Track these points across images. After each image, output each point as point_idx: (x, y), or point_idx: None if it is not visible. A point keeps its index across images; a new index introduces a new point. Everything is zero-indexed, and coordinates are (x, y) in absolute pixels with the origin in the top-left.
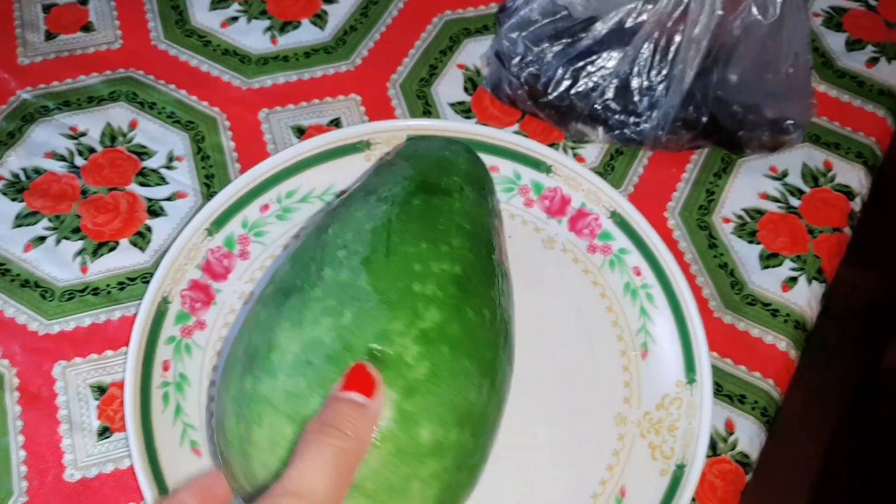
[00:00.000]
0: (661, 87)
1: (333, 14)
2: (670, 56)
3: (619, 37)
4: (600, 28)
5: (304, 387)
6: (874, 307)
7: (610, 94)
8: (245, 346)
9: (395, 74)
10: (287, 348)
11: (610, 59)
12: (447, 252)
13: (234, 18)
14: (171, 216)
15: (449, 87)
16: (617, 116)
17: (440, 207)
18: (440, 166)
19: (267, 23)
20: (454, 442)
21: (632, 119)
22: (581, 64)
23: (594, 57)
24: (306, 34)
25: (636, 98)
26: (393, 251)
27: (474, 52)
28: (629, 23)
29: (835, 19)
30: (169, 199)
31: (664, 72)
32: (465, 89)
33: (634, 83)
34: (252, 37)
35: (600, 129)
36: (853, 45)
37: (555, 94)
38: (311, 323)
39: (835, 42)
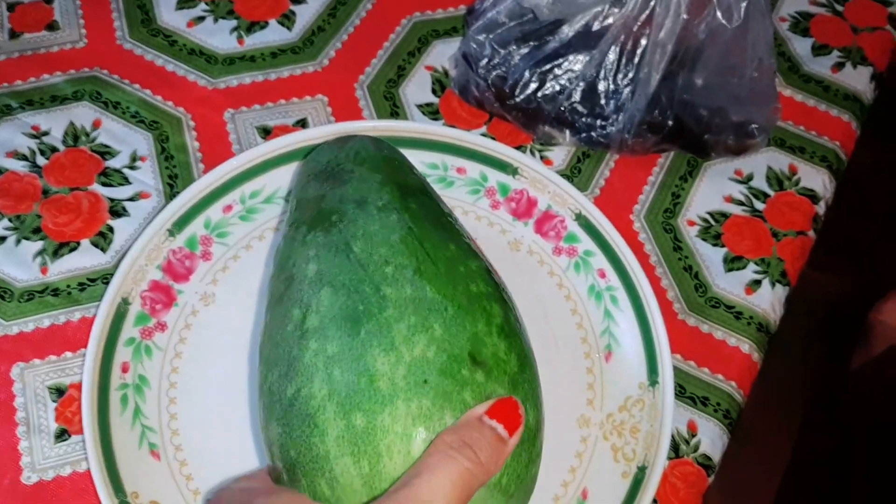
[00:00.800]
0: (627, 90)
1: (301, 14)
2: (636, 59)
3: (586, 40)
4: (567, 31)
5: (429, 405)
6: (840, 307)
7: (577, 96)
8: (323, 385)
9: (362, 76)
10: (394, 373)
11: (576, 62)
12: (468, 248)
13: (201, 18)
14: (133, 217)
15: (417, 89)
16: (583, 119)
17: (430, 206)
18: (393, 167)
19: (234, 23)
20: (541, 418)
21: (598, 122)
22: (548, 66)
23: (561, 60)
24: (273, 34)
25: (602, 101)
26: (436, 258)
27: (443, 53)
28: (595, 26)
29: (801, 24)
30: (132, 199)
31: (630, 75)
32: (433, 91)
33: (601, 86)
34: (219, 37)
35: (567, 132)
36: (819, 50)
37: (522, 96)
38: (405, 343)
39: (801, 47)
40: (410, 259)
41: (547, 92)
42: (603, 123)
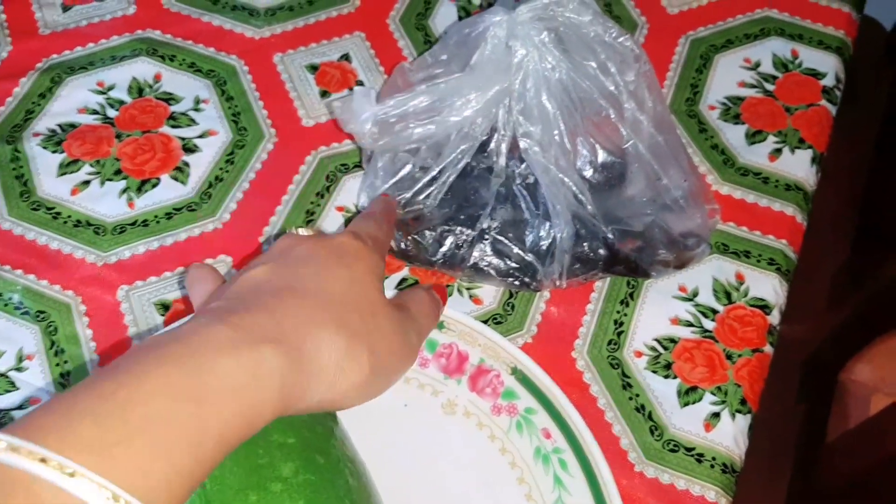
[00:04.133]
0: (544, 232)
1: (196, 165)
2: (540, 199)
3: (476, 191)
4: (444, 182)
5: None
6: (814, 364)
7: (488, 249)
8: None
9: (267, 227)
10: None
11: (478, 213)
12: (281, 490)
13: (86, 183)
14: None
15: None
16: (506, 267)
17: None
18: None
19: (122, 184)
20: None
21: (523, 267)
22: (452, 225)
23: (461, 213)
24: (167, 192)
25: (522, 246)
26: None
27: (353, 190)
28: (476, 172)
29: (732, 110)
30: (21, 407)
31: (540, 213)
32: None
33: (511, 233)
34: (106, 202)
35: (494, 279)
36: (753, 138)
37: (437, 255)
38: None
39: (734, 136)
40: None
41: (460, 247)
42: (530, 265)
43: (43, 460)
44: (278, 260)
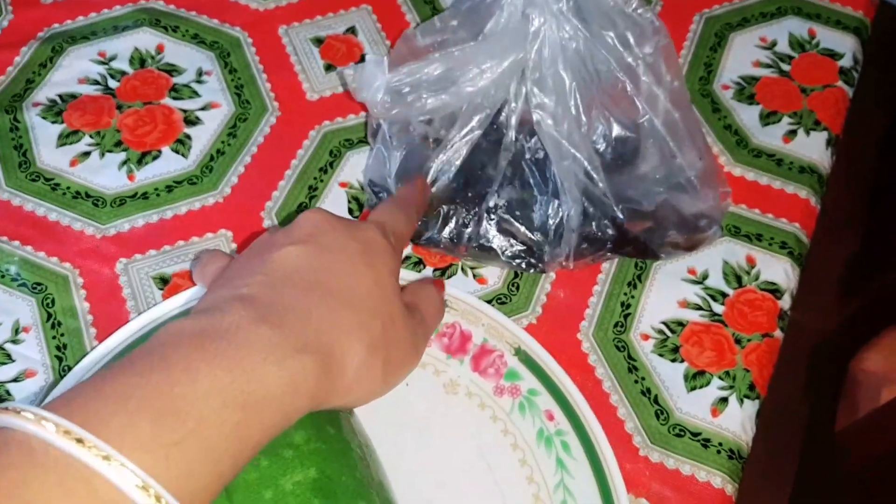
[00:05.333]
0: (552, 211)
1: (197, 138)
2: (550, 176)
3: (487, 160)
4: (455, 160)
5: None
6: (823, 352)
7: (494, 229)
8: None
9: (269, 202)
10: None
11: (485, 190)
12: (293, 456)
13: (86, 154)
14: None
15: (332, 209)
16: (512, 248)
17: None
18: None
19: (122, 156)
20: None
21: (529, 247)
22: (456, 205)
23: (468, 189)
24: (167, 164)
25: (529, 225)
26: (233, 489)
27: (357, 166)
28: (484, 145)
29: (746, 90)
30: (16, 379)
31: (549, 191)
32: (350, 210)
33: (518, 212)
34: (106, 174)
35: (499, 261)
36: (768, 119)
37: (441, 235)
38: None
39: (748, 116)
40: None
41: (466, 226)
42: (536, 247)
43: (106, 458)
44: (309, 243)
